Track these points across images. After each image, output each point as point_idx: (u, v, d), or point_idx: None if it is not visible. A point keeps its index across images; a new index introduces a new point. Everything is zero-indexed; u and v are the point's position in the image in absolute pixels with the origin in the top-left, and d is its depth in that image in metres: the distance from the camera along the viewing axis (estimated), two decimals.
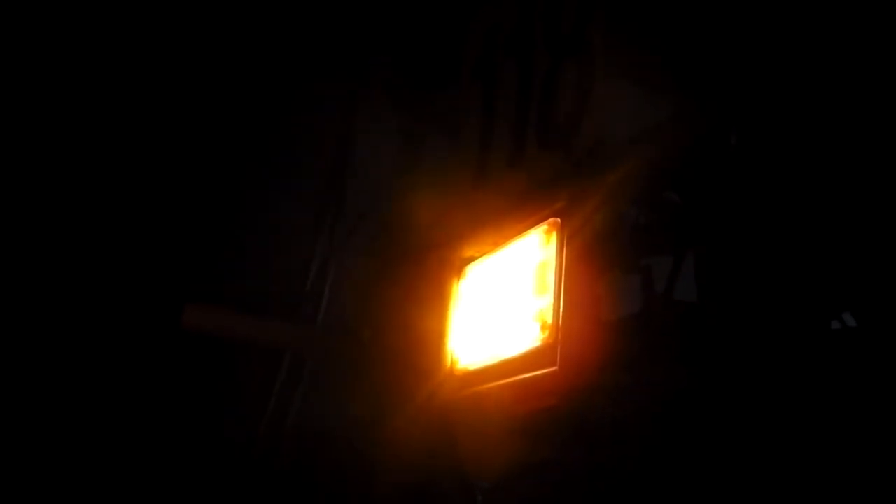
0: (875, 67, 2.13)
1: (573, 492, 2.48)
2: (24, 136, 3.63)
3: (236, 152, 3.83)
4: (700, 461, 2.23)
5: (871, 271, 2.19)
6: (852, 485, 2.06)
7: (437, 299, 2.87)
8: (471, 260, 2.82)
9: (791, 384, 2.15)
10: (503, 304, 2.56)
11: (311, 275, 3.63)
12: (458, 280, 2.85)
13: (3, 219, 3.55)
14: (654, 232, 2.55)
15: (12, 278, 3.53)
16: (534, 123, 2.57)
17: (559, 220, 2.39)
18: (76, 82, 3.69)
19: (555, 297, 2.30)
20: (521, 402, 2.45)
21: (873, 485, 2.03)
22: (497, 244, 2.68)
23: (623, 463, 2.39)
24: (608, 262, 2.49)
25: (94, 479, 3.46)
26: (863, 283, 2.22)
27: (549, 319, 2.30)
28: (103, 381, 3.55)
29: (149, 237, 3.73)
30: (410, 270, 3.11)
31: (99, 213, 3.68)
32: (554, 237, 2.39)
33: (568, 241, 2.34)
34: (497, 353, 2.52)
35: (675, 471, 2.27)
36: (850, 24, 2.17)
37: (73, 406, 3.50)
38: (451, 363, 2.75)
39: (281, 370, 3.54)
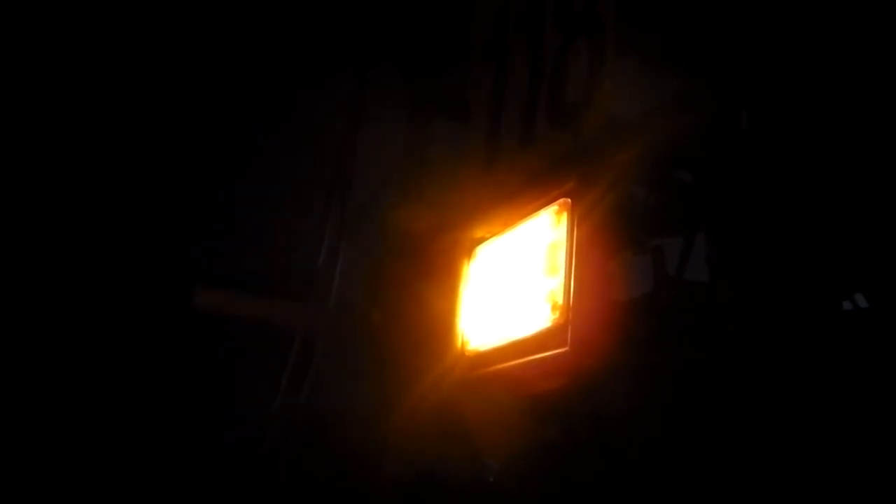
0: (888, 50, 2.11)
1: (583, 472, 2.48)
2: (30, 126, 3.63)
3: (246, 133, 3.82)
4: (711, 442, 2.23)
5: (884, 253, 2.18)
6: (862, 463, 2.06)
7: (448, 280, 2.87)
8: (481, 241, 2.81)
9: (802, 366, 2.14)
10: (514, 284, 2.56)
11: (322, 255, 3.63)
12: (469, 261, 2.85)
13: (10, 210, 3.56)
14: (665, 212, 2.54)
15: (24, 269, 3.54)
16: (544, 103, 2.56)
17: (570, 200, 2.38)
18: (83, 73, 3.69)
19: (565, 278, 2.29)
20: (531, 382, 2.45)
21: (884, 464, 2.03)
22: (507, 225, 2.67)
23: (633, 444, 2.39)
24: (619, 243, 2.48)
25: (109, 457, 3.49)
26: (875, 264, 2.20)
27: (560, 300, 2.30)
28: (115, 361, 3.56)
29: (159, 221, 3.74)
30: (421, 251, 3.11)
31: (109, 195, 3.69)
32: (564, 217, 2.38)
33: (579, 221, 2.33)
34: (508, 334, 2.52)
35: (686, 452, 2.27)
36: (863, 8, 2.15)
37: (87, 389, 3.52)
38: (462, 344, 2.75)
39: (292, 351, 3.55)
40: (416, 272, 3.13)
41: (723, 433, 2.21)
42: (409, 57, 3.62)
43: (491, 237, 2.77)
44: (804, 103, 2.24)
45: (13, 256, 3.52)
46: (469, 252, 2.85)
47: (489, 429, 2.71)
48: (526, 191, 2.57)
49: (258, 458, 3.50)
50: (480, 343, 2.68)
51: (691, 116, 2.31)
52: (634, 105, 2.32)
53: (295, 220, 3.74)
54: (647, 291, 2.48)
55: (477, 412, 2.71)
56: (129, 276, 3.66)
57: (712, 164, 2.44)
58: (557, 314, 2.30)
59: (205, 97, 3.80)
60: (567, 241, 2.33)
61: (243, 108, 3.83)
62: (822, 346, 2.16)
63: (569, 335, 2.25)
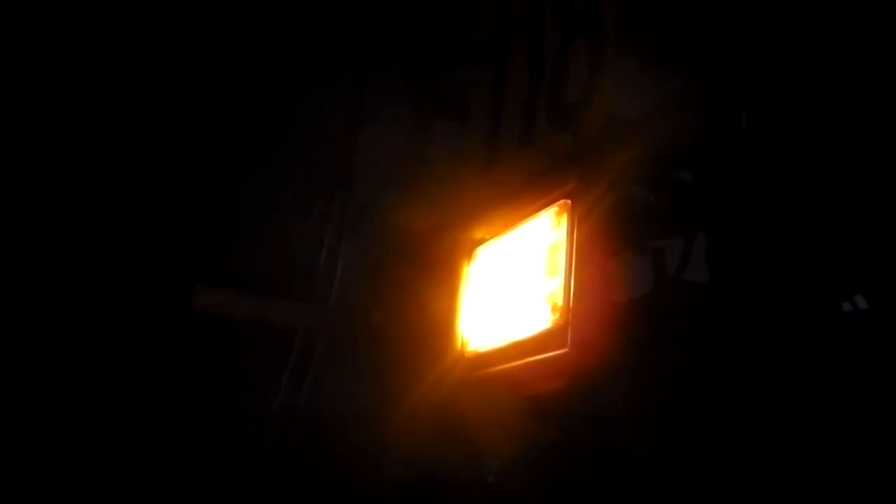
0: (888, 50, 2.11)
1: (583, 473, 2.48)
2: (31, 127, 3.63)
3: (246, 133, 3.82)
4: (711, 442, 2.23)
5: (884, 253, 2.18)
6: (862, 463, 2.06)
7: (448, 280, 2.87)
8: (481, 242, 2.81)
9: (802, 367, 2.14)
10: (514, 285, 2.56)
11: (322, 255, 3.63)
12: (469, 262, 2.84)
13: (11, 210, 3.56)
14: (665, 212, 2.54)
15: (25, 269, 3.54)
16: (544, 103, 2.56)
17: (570, 201, 2.38)
18: (83, 74, 3.69)
19: (565, 279, 2.29)
20: (531, 383, 2.45)
21: (884, 464, 2.03)
22: (508, 226, 2.67)
23: (633, 445, 2.39)
24: (619, 244, 2.48)
25: (109, 457, 3.49)
26: (875, 265, 2.20)
27: (560, 301, 2.29)
28: (115, 361, 3.56)
29: (160, 221, 3.74)
30: (421, 251, 3.10)
31: (110, 195, 3.69)
32: (564, 218, 2.38)
33: (579, 222, 2.33)
34: (508, 335, 2.52)
35: (686, 452, 2.27)
36: (863, 8, 2.15)
37: (87, 389, 3.52)
38: (462, 345, 2.75)
39: (292, 351, 3.55)
40: (416, 272, 3.13)
41: (723, 433, 2.21)
42: (409, 57, 3.62)
43: (491, 238, 2.77)
44: (804, 103, 2.23)
45: (14, 257, 3.52)
46: (469, 252, 2.85)
47: (489, 429, 2.71)
48: (526, 191, 2.56)
49: (258, 458, 3.50)
50: (480, 344, 2.68)
51: (691, 116, 2.30)
52: (634, 105, 2.32)
53: (295, 220, 3.74)
54: (647, 292, 2.48)
55: (477, 413, 2.71)
56: (129, 275, 3.66)
57: (712, 164, 2.44)
58: (557, 315, 2.30)
59: (205, 97, 3.80)
60: (567, 242, 2.33)
61: (243, 108, 3.82)
62: (822, 347, 2.16)
63: (569, 336, 2.25)
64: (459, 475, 2.88)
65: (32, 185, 3.61)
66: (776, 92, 2.26)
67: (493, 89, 2.85)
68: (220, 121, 3.80)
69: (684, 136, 2.36)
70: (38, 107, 3.65)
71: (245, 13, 3.84)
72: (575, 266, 2.28)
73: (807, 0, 2.20)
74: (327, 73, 3.79)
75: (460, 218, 2.87)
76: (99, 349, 3.56)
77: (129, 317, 3.61)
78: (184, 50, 3.78)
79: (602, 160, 2.38)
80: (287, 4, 3.91)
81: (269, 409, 3.53)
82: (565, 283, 2.28)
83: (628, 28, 2.33)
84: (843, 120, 2.20)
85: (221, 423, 3.57)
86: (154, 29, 3.77)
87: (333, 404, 3.50)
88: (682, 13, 2.31)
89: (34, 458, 3.42)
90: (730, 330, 2.27)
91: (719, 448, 2.20)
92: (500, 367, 2.52)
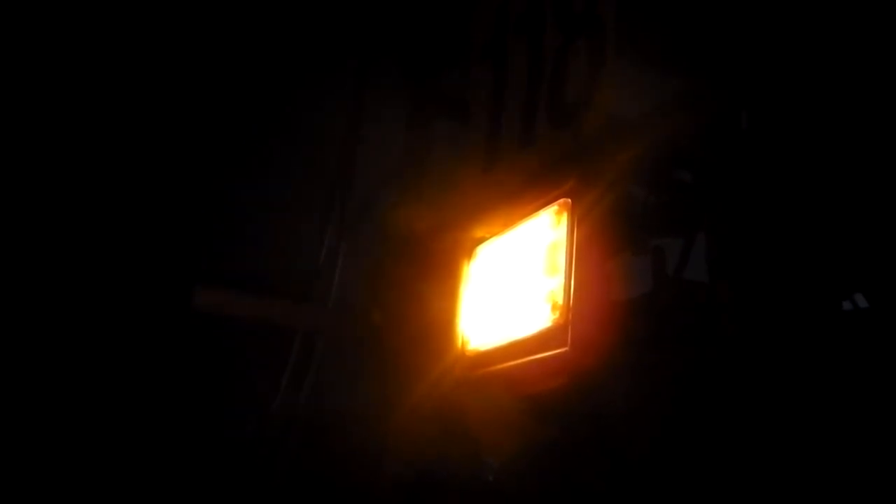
0: (888, 50, 2.11)
1: (583, 471, 2.49)
2: (31, 126, 3.62)
3: (246, 133, 3.82)
4: (710, 442, 2.23)
5: (884, 252, 2.18)
6: (862, 463, 2.06)
7: (448, 280, 2.87)
8: (481, 241, 2.82)
9: (802, 366, 2.14)
10: (514, 284, 2.56)
11: (322, 255, 3.63)
12: (469, 261, 2.85)
13: (11, 211, 3.56)
14: (665, 212, 2.54)
15: (25, 269, 3.54)
16: (544, 103, 2.56)
17: (570, 200, 2.38)
18: (83, 73, 3.69)
19: (565, 278, 2.29)
20: (531, 382, 2.45)
21: (884, 464, 2.03)
22: (508, 225, 2.67)
23: (633, 444, 2.39)
24: (619, 243, 2.49)
25: (109, 457, 3.49)
26: (875, 264, 2.20)
27: (560, 300, 2.30)
28: (115, 361, 3.56)
29: (160, 221, 3.74)
30: (421, 251, 3.11)
31: (110, 195, 3.69)
32: (565, 217, 2.38)
33: (579, 221, 2.33)
34: (508, 334, 2.52)
35: (685, 451, 2.27)
36: (863, 8, 2.15)
37: (87, 389, 3.52)
38: (462, 344, 2.75)
39: (292, 351, 3.55)
40: (416, 272, 3.13)
41: (722, 433, 2.21)
42: (409, 57, 3.62)
43: (491, 237, 2.77)
44: (804, 103, 2.24)
45: (14, 257, 3.52)
46: (469, 252, 2.85)
47: (489, 428, 2.71)
48: (526, 191, 2.57)
49: (258, 458, 3.50)
50: (480, 343, 2.68)
51: (691, 116, 2.31)
52: (634, 105, 2.32)
53: (295, 220, 3.74)
54: (646, 291, 2.48)
55: (477, 412, 2.71)
56: (129, 275, 3.66)
57: (712, 164, 2.44)
58: (557, 314, 2.31)
59: (205, 97, 3.80)
60: (567, 241, 2.33)
61: (243, 108, 3.83)
62: (822, 346, 2.16)
63: (569, 335, 2.25)
64: (459, 474, 2.88)
65: (33, 184, 3.61)
66: (776, 92, 2.26)
67: (493, 89, 2.85)
68: (220, 121, 3.80)
69: (684, 136, 2.37)
70: (38, 107, 3.65)
71: (245, 13, 3.84)
72: (575, 265, 2.28)
73: (806, 0, 2.20)
74: (327, 73, 3.79)
75: (460, 217, 2.88)
76: (99, 349, 3.56)
77: (130, 317, 3.61)
78: (184, 50, 3.78)
79: (602, 160, 2.38)
80: (287, 4, 3.91)
81: (269, 410, 3.53)
82: (565, 282, 2.29)
83: (628, 28, 2.33)
84: (842, 120, 2.20)
85: (221, 423, 3.57)
86: (154, 29, 3.77)
87: (333, 404, 3.50)
88: (682, 13, 2.31)
89: (34, 458, 3.42)
90: (730, 330, 2.27)
91: (719, 447, 2.21)
92: (500, 366, 2.52)
